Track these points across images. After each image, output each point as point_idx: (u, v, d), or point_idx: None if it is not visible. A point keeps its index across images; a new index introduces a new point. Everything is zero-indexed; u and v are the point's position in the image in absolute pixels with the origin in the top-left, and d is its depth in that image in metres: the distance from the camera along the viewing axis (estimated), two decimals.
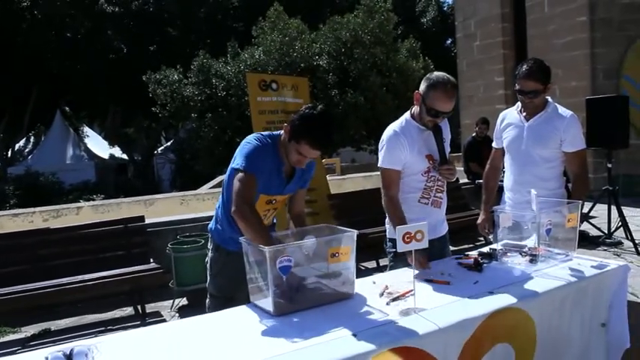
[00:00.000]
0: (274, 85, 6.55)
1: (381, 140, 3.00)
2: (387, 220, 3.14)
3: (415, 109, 2.94)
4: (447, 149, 3.03)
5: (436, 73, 2.85)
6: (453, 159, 3.18)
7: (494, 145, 3.61)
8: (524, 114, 3.33)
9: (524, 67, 3.20)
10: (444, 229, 3.18)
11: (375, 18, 17.67)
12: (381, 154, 2.95)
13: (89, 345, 1.92)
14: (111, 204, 9.62)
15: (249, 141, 2.67)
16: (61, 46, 23.18)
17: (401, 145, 2.87)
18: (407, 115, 2.99)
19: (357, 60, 16.99)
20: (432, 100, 2.78)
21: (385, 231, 3.15)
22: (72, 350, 1.86)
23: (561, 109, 3.28)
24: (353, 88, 16.71)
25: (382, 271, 3.08)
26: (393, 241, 3.05)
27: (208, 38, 24.98)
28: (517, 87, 3.25)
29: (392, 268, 2.98)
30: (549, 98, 3.33)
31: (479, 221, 3.61)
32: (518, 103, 3.39)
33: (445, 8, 31.24)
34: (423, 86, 2.85)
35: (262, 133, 2.74)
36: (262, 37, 17.55)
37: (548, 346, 2.40)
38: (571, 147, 3.24)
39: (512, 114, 3.44)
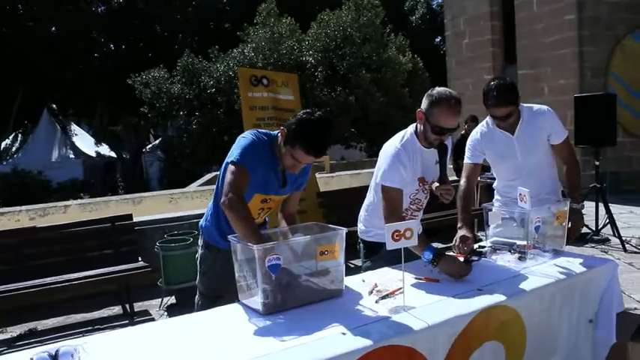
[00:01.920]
0: (265, 81, 6.53)
1: (382, 155, 2.86)
2: (360, 220, 3.13)
3: (419, 127, 2.81)
4: (445, 165, 3.01)
5: (438, 89, 2.74)
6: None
7: (468, 160, 3.40)
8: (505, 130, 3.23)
9: (492, 93, 3.07)
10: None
11: (363, 14, 17.68)
12: (382, 171, 2.79)
13: (75, 345, 1.89)
14: (98, 202, 9.55)
15: (244, 136, 2.65)
16: (47, 43, 22.95)
17: (404, 165, 2.75)
18: (411, 129, 2.86)
19: (345, 57, 16.98)
20: (436, 118, 2.67)
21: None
22: (57, 351, 1.83)
23: (535, 108, 3.25)
24: (342, 86, 16.69)
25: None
26: (365, 243, 3.09)
27: (196, 37, 24.85)
28: (490, 114, 3.19)
29: (367, 269, 2.94)
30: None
31: (456, 242, 2.98)
32: (488, 119, 3.30)
33: (434, 6, 31.30)
34: (425, 103, 2.73)
35: (260, 130, 2.72)
36: (253, 34, 17.50)
37: (538, 344, 2.41)
38: (558, 138, 3.25)
39: (491, 130, 3.31)
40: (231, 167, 2.52)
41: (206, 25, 24.48)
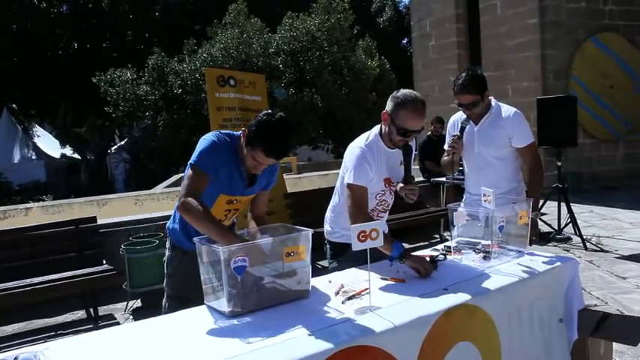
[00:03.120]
0: (232, 82, 6.49)
1: (347, 156, 2.89)
2: (326, 221, 3.14)
3: (384, 129, 2.83)
4: (412, 165, 3.03)
5: (403, 91, 2.76)
6: (414, 177, 3.16)
7: (445, 146, 3.63)
8: (471, 120, 3.44)
9: (459, 81, 3.30)
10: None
11: (332, 17, 17.71)
12: (350, 171, 2.81)
13: (35, 351, 1.84)
14: (62, 204, 9.36)
15: (205, 138, 2.63)
16: (6, 41, 22.34)
17: (370, 164, 2.78)
18: (375, 130, 2.89)
19: (313, 60, 16.99)
20: (401, 120, 2.69)
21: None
22: (16, 358, 1.78)
23: (505, 109, 3.40)
24: (309, 87, 16.70)
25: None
26: (331, 244, 3.09)
27: (163, 37, 24.54)
28: (455, 101, 3.37)
29: (334, 269, 2.93)
30: (492, 99, 3.44)
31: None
32: None
33: (401, 8, 31.59)
34: (390, 105, 2.75)
35: (221, 131, 2.70)
36: (221, 35, 17.37)
37: (514, 348, 2.44)
38: (520, 142, 3.37)
39: (462, 118, 3.51)
40: (189, 171, 2.53)
41: (173, 25, 24.19)
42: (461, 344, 2.27)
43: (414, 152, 2.91)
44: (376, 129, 2.90)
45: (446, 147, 3.60)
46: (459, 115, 3.56)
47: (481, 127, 3.40)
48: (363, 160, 2.77)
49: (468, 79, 3.28)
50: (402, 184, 2.91)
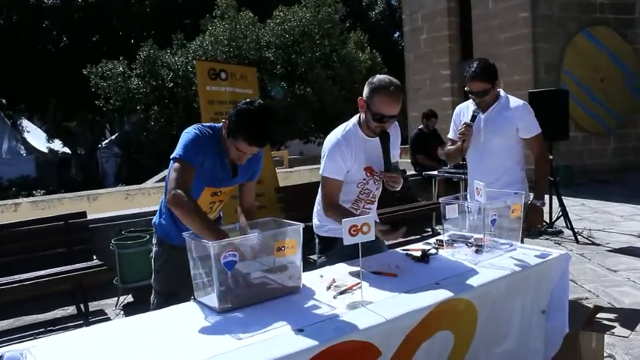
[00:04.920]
0: (223, 75, 6.44)
1: (324, 146, 2.88)
2: (314, 215, 3.12)
3: (362, 116, 2.81)
4: (397, 156, 2.99)
5: (378, 77, 2.74)
6: (399, 168, 3.09)
7: (449, 135, 3.75)
8: (480, 108, 3.52)
9: (470, 70, 3.40)
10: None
11: (323, 10, 17.66)
12: (323, 162, 2.82)
13: (22, 349, 1.81)
14: (52, 200, 9.27)
15: (188, 131, 2.63)
16: None
17: (343, 156, 2.76)
18: (354, 120, 2.87)
19: (304, 53, 16.93)
20: (376, 105, 2.67)
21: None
22: (2, 357, 1.74)
23: (513, 100, 3.51)
24: (300, 81, 16.66)
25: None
26: (320, 238, 3.08)
27: (153, 30, 24.37)
28: (467, 89, 3.47)
29: (323, 264, 2.92)
30: (501, 91, 3.54)
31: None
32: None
33: (393, 1, 31.51)
34: (365, 91, 2.73)
35: (204, 124, 2.69)
36: (212, 27, 17.28)
37: (487, 332, 2.43)
38: (527, 133, 3.50)
39: (469, 108, 3.60)
40: (174, 164, 2.51)
41: (164, 18, 24.01)
42: (440, 332, 2.27)
43: (392, 138, 2.85)
44: (355, 118, 2.89)
45: (450, 135, 3.70)
46: (465, 104, 3.65)
47: (489, 116, 3.49)
48: (336, 151, 2.76)
49: (479, 66, 3.37)
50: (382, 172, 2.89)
